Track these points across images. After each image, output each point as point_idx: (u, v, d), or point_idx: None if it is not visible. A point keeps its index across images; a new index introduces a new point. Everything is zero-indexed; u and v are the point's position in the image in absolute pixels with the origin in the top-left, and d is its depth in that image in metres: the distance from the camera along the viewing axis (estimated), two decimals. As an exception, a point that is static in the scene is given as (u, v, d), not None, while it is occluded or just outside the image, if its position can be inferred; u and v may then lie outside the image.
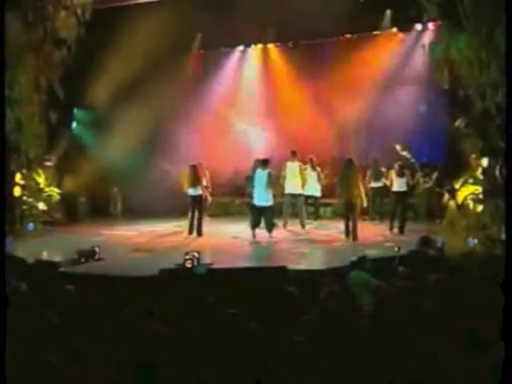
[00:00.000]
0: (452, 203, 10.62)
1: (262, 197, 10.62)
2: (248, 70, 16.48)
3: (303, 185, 11.99)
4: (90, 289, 6.30)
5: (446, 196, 11.37)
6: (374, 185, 12.72)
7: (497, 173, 9.16)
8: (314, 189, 12.77)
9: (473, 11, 8.97)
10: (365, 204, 10.81)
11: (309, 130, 15.07)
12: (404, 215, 11.34)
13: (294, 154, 11.96)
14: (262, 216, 10.75)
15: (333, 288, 5.39)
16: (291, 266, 7.67)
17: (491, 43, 8.65)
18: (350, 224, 10.33)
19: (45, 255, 9.41)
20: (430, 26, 13.36)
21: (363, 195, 10.57)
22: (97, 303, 5.28)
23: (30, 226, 11.89)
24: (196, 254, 8.11)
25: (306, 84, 15.19)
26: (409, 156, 12.99)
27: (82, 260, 8.75)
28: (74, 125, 15.11)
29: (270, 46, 16.25)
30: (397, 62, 14.50)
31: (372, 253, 8.40)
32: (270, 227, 10.70)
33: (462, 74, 9.27)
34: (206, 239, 11.05)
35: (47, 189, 12.71)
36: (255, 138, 15.51)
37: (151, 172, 14.21)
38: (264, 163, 10.77)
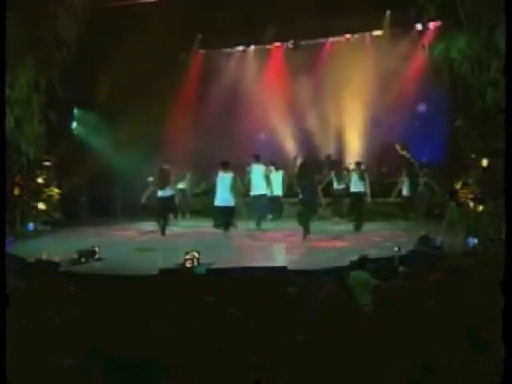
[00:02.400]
0: (452, 203, 10.62)
1: (224, 198, 11.12)
2: (248, 70, 16.48)
3: (269, 186, 12.26)
4: (90, 289, 6.30)
5: (446, 196, 11.38)
6: (336, 187, 12.85)
7: (497, 173, 9.15)
8: (277, 189, 12.87)
9: (473, 11, 8.97)
10: (323, 202, 11.48)
11: (308, 129, 15.10)
12: (361, 214, 11.70)
13: (257, 157, 12.30)
14: (224, 216, 11.24)
15: (333, 288, 5.40)
16: (291, 266, 7.68)
17: (491, 43, 8.65)
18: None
19: (45, 255, 9.41)
20: (430, 26, 13.36)
21: (320, 194, 11.09)
22: (97, 303, 5.27)
23: (30, 226, 11.87)
24: (196, 254, 8.12)
25: (306, 84, 15.19)
26: (408, 156, 13.02)
27: (82, 260, 8.75)
28: (74, 125, 15.09)
29: (270, 46, 16.25)
30: (397, 62, 14.49)
31: (372, 253, 8.40)
32: (228, 226, 11.25)
33: (462, 74, 9.26)
34: (202, 238, 11.09)
35: (47, 189, 12.68)
36: (255, 137, 15.51)
37: (151, 172, 14.17)
38: (224, 165, 11.28)
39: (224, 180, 11.20)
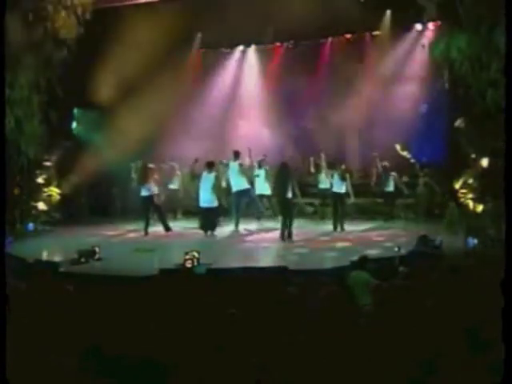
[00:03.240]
0: (452, 203, 10.63)
1: (207, 199, 11.19)
2: (248, 69, 16.48)
3: (250, 182, 12.19)
4: (90, 289, 6.30)
5: (446, 196, 11.38)
6: (321, 186, 12.88)
7: (497, 173, 9.15)
8: (262, 188, 12.61)
9: (473, 11, 8.96)
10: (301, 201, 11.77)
11: (308, 129, 15.09)
12: (343, 215, 11.80)
13: (236, 153, 12.19)
14: (208, 217, 11.33)
15: (333, 288, 5.40)
16: (291, 266, 7.68)
17: (491, 43, 8.65)
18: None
19: (45, 255, 9.41)
20: (430, 26, 13.35)
21: (298, 193, 11.33)
22: (97, 303, 5.27)
23: (30, 226, 11.88)
24: (196, 254, 8.13)
25: (306, 84, 15.18)
26: (408, 156, 13.02)
27: (82, 260, 8.76)
28: (74, 125, 15.09)
29: (270, 46, 16.25)
30: (397, 62, 14.48)
31: (372, 253, 8.41)
32: (213, 227, 11.34)
33: (462, 74, 9.26)
34: (202, 238, 11.09)
35: (47, 189, 12.68)
36: (255, 137, 15.48)
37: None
38: (209, 166, 11.32)
39: (207, 180, 11.22)
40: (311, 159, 13.30)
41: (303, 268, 8.03)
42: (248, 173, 12.22)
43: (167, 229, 11.80)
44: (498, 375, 3.19)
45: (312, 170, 13.24)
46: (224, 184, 12.43)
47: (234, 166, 12.08)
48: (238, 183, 11.99)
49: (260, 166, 12.56)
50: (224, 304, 4.81)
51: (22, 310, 4.38)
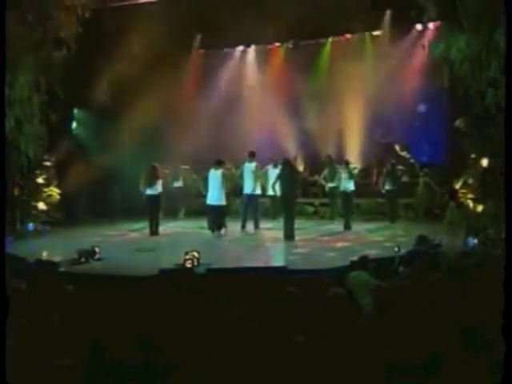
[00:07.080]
0: (452, 203, 10.63)
1: (214, 196, 11.06)
2: (248, 70, 16.49)
3: (261, 185, 12.17)
4: (90, 289, 6.29)
5: (446, 196, 11.39)
6: (330, 185, 12.84)
7: (497, 173, 9.15)
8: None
9: (473, 11, 8.96)
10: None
11: (308, 129, 15.10)
12: (350, 213, 11.96)
13: (252, 154, 12.09)
14: (214, 216, 11.24)
15: (333, 288, 5.38)
16: (291, 266, 7.68)
17: (491, 43, 8.65)
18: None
19: (45, 255, 9.41)
20: (430, 26, 13.35)
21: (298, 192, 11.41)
22: (97, 303, 5.27)
23: (30, 226, 11.88)
24: (196, 254, 8.13)
25: (306, 84, 15.20)
26: (408, 156, 13.03)
27: (82, 260, 8.76)
28: (74, 125, 15.09)
29: (270, 46, 16.26)
30: (397, 62, 14.50)
31: (372, 253, 8.41)
32: (219, 226, 11.15)
33: (462, 74, 9.27)
34: (202, 238, 11.09)
35: (47, 189, 12.68)
36: (255, 137, 15.49)
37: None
38: (217, 163, 11.22)
39: (214, 177, 11.12)
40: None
41: (303, 268, 8.03)
42: (261, 175, 12.20)
43: (157, 232, 11.72)
44: (499, 375, 3.19)
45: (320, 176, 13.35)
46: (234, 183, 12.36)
47: (248, 167, 11.99)
48: (249, 186, 11.93)
49: (275, 167, 12.49)
50: (224, 304, 4.81)
51: (21, 310, 4.37)
